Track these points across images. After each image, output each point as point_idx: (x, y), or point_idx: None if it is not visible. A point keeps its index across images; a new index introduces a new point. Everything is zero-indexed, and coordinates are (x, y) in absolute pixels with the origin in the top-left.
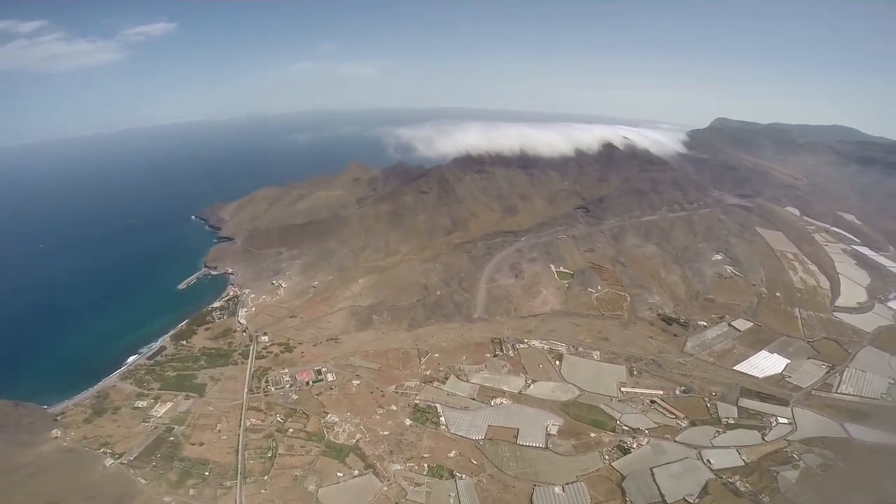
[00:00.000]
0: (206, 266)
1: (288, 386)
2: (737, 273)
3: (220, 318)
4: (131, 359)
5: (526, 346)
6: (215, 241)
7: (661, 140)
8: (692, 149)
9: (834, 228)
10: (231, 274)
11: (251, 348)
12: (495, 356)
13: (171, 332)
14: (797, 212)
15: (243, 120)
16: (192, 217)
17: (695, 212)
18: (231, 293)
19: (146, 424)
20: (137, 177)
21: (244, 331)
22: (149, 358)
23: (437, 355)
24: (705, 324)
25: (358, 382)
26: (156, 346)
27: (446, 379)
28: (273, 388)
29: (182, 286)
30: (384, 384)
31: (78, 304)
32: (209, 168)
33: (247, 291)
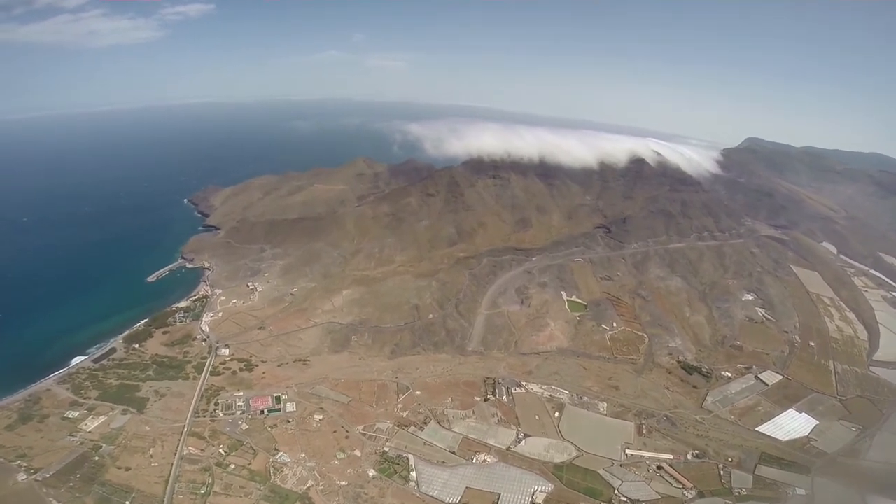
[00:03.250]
0: (182, 257)
1: (239, 412)
2: (768, 317)
3: (182, 321)
4: (76, 360)
5: (523, 390)
6: (200, 228)
7: (694, 157)
8: (726, 169)
9: (874, 272)
10: (207, 269)
11: (207, 362)
12: (486, 400)
13: (127, 332)
14: (834, 249)
15: (259, 103)
16: (185, 200)
17: (726, 242)
18: (201, 292)
19: (72, 439)
20: (143, 154)
21: (204, 339)
22: (95, 360)
23: (418, 393)
24: (730, 375)
25: (321, 417)
26: (106, 347)
27: (425, 424)
28: (222, 414)
29: (152, 278)
30: (351, 423)
31: (38, 289)
32: (216, 149)
33: (218, 292)
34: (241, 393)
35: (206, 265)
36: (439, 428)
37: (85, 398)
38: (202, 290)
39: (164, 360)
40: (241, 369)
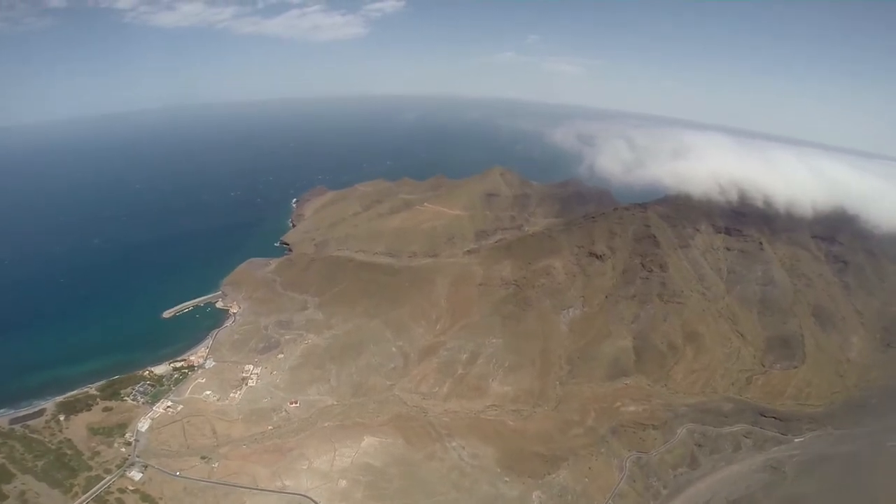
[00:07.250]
0: (222, 289)
1: None
2: None
3: (134, 399)
4: None
5: None
6: (276, 245)
7: None
8: None
9: None
10: (233, 314)
11: (105, 482)
12: None
13: (71, 392)
14: None
15: (430, 98)
16: (293, 201)
17: None
18: (194, 357)
19: None
20: (304, 142)
21: (129, 443)
22: (11, 421)
23: None
24: None
25: None
26: (36, 407)
27: None
28: None
29: (168, 314)
30: None
31: (45, 303)
32: (361, 142)
33: (209, 365)
34: None
35: (235, 311)
36: None
37: None
38: (199, 353)
39: (69, 453)
40: None
